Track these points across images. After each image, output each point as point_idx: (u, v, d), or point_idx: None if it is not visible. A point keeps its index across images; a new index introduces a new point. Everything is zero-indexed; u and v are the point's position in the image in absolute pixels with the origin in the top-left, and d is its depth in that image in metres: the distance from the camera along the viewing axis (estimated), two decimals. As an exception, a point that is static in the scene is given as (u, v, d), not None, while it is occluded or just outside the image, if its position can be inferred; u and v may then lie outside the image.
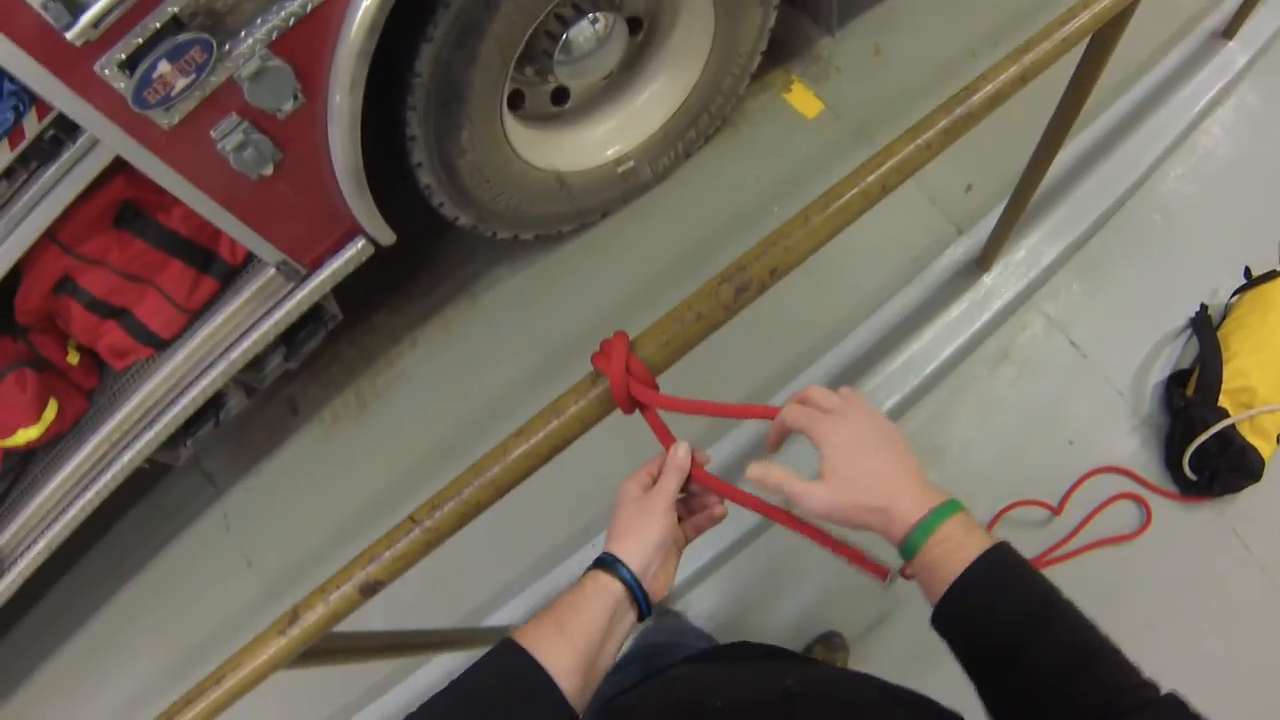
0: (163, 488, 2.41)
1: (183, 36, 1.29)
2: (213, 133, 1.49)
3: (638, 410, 0.97)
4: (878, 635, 2.18)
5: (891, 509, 0.80)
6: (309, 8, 1.41)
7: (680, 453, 0.91)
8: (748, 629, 2.25)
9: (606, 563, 0.84)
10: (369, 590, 0.94)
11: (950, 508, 0.79)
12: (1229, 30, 2.63)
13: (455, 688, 0.75)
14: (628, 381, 0.93)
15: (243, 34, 1.39)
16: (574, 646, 0.76)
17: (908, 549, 0.79)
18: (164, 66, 1.31)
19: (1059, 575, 2.12)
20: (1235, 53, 2.65)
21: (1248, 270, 2.46)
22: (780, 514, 0.90)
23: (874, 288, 2.45)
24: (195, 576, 2.37)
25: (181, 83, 1.36)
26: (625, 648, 0.91)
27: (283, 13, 1.39)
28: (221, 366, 1.91)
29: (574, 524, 2.29)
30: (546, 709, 0.73)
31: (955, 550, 0.75)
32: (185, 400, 1.92)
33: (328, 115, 1.60)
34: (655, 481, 0.90)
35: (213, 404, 2.01)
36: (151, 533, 2.38)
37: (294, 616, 0.94)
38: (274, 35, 1.40)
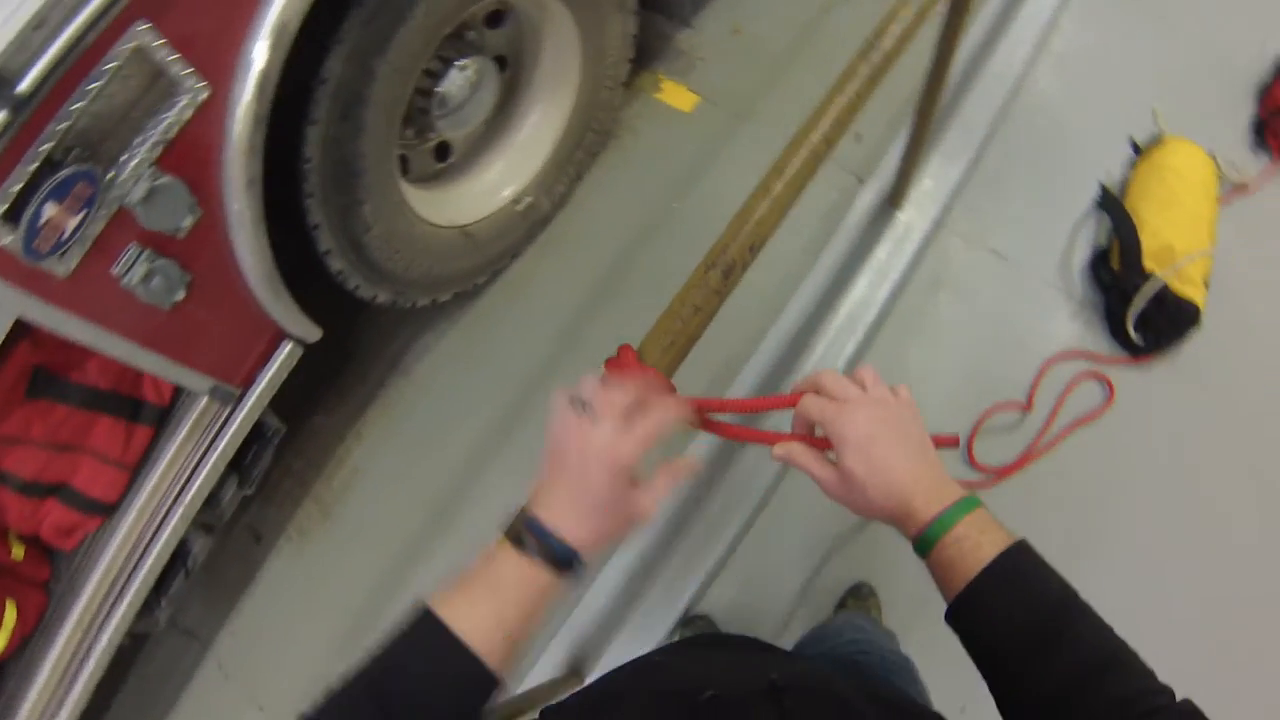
0: (146, 658, 2.25)
1: (63, 173, 1.21)
2: (115, 269, 1.40)
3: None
4: (903, 577, 2.19)
5: (904, 506, 0.79)
6: (187, 115, 1.34)
7: (675, 410, 0.85)
8: (771, 603, 2.23)
9: (559, 557, 0.76)
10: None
11: (966, 505, 0.78)
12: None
13: (378, 662, 0.71)
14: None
15: (124, 157, 1.31)
16: (504, 623, 0.73)
17: (922, 546, 0.79)
18: (50, 209, 1.22)
19: (1046, 466, 2.23)
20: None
21: (1134, 142, 2.60)
22: (762, 435, 0.92)
23: (798, 251, 2.48)
24: None
25: (72, 223, 1.27)
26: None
27: (161, 125, 1.31)
28: (178, 514, 1.80)
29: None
30: (469, 677, 0.71)
31: (971, 550, 0.75)
32: (150, 560, 1.80)
33: (229, 223, 1.52)
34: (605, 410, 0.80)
35: (178, 555, 1.89)
36: (150, 704, 2.23)
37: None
38: (158, 151, 1.33)
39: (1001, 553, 0.74)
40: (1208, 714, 0.64)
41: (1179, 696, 0.67)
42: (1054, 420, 2.33)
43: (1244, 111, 2.73)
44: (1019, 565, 0.75)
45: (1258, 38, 2.84)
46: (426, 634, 0.72)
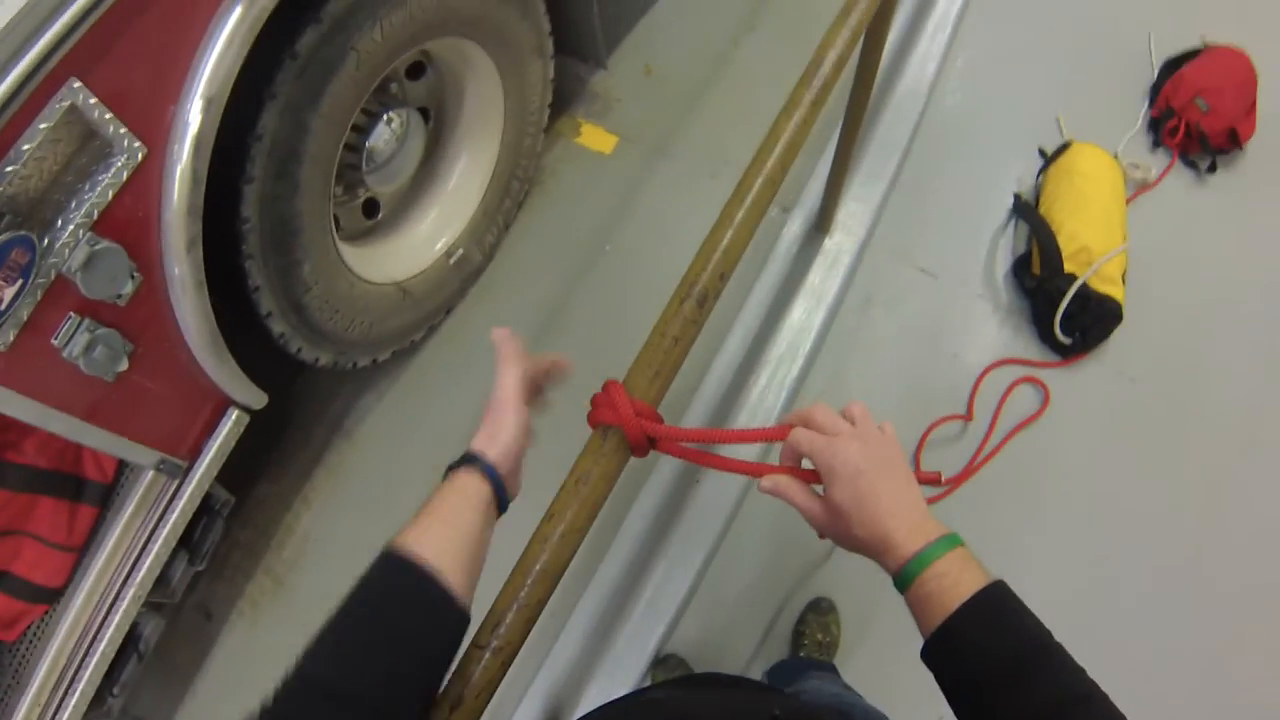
0: (96, 753, 2.13)
1: (-3, 240, 1.17)
2: (54, 340, 1.35)
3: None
4: (868, 597, 2.21)
5: (886, 540, 0.81)
6: (124, 177, 1.30)
7: (499, 336, 0.98)
8: (737, 635, 2.23)
9: (472, 460, 0.87)
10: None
11: (947, 542, 0.79)
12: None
13: (350, 606, 0.76)
14: (641, 425, 0.92)
15: (60, 222, 1.26)
16: (457, 548, 0.80)
17: (902, 581, 0.80)
18: (-14, 280, 1.18)
19: (991, 472, 2.29)
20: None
21: (1041, 150, 2.74)
22: (751, 466, 0.94)
23: (730, 287, 2.50)
24: None
25: (9, 292, 1.22)
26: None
27: (97, 188, 1.28)
28: (129, 595, 1.71)
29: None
30: (442, 611, 0.77)
31: (950, 587, 0.76)
32: (100, 647, 1.70)
33: (170, 288, 1.48)
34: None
35: (129, 639, 1.80)
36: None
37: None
38: (95, 214, 1.29)
39: (980, 590, 0.75)
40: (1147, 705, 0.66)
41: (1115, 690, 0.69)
42: (995, 427, 2.39)
43: (1140, 112, 2.90)
44: (997, 603, 0.76)
45: (1144, 41, 3.03)
46: (391, 567, 0.78)
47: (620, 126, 2.87)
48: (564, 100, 2.85)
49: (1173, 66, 2.91)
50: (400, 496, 2.36)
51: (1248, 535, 2.28)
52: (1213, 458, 2.36)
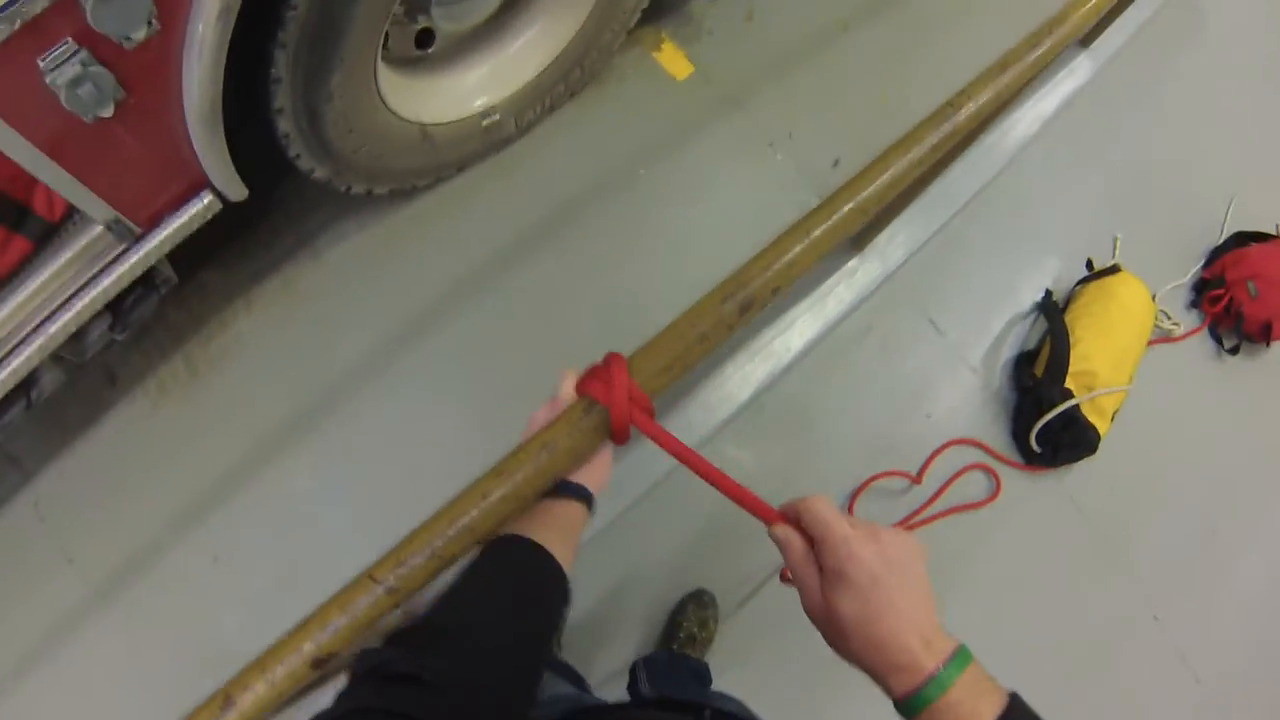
0: (-43, 471, 2.05)
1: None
2: (41, 62, 1.21)
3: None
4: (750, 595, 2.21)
5: (892, 666, 0.71)
6: (179, -87, 1.17)
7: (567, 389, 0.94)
8: (615, 605, 2.20)
9: (582, 495, 0.94)
10: (321, 664, 0.77)
11: (962, 659, 0.71)
12: (1086, 39, 2.76)
13: (472, 570, 0.84)
14: (630, 412, 0.83)
15: (92, -65, 1.13)
16: (567, 553, 0.88)
17: (911, 707, 0.70)
18: (-18, -31, 1.04)
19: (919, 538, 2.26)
20: (1087, 61, 2.78)
21: (1089, 262, 2.67)
22: (725, 481, 0.84)
23: (742, 256, 2.42)
24: (7, 576, 2.03)
25: (2, -7, 1.09)
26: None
27: (143, -86, 1.14)
28: (37, 342, 1.60)
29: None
30: (557, 577, 0.85)
31: (970, 714, 0.68)
32: (-7, 381, 1.61)
33: (186, 47, 1.35)
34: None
35: (23, 384, 1.70)
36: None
37: (227, 700, 0.75)
38: (130, -58, 1.15)
39: (1003, 712, 0.69)
40: None
41: None
42: (937, 499, 2.38)
43: (1192, 268, 2.85)
44: None
45: (1224, 204, 2.95)
46: (528, 550, 0.85)
47: (701, 59, 2.72)
48: (657, 11, 2.68)
49: (1241, 240, 2.87)
50: (348, 335, 2.29)
51: (1118, 697, 2.29)
52: (1120, 611, 2.38)
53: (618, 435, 0.87)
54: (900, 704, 0.71)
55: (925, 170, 1.91)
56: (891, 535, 0.75)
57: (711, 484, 0.83)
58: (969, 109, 1.16)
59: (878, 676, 0.72)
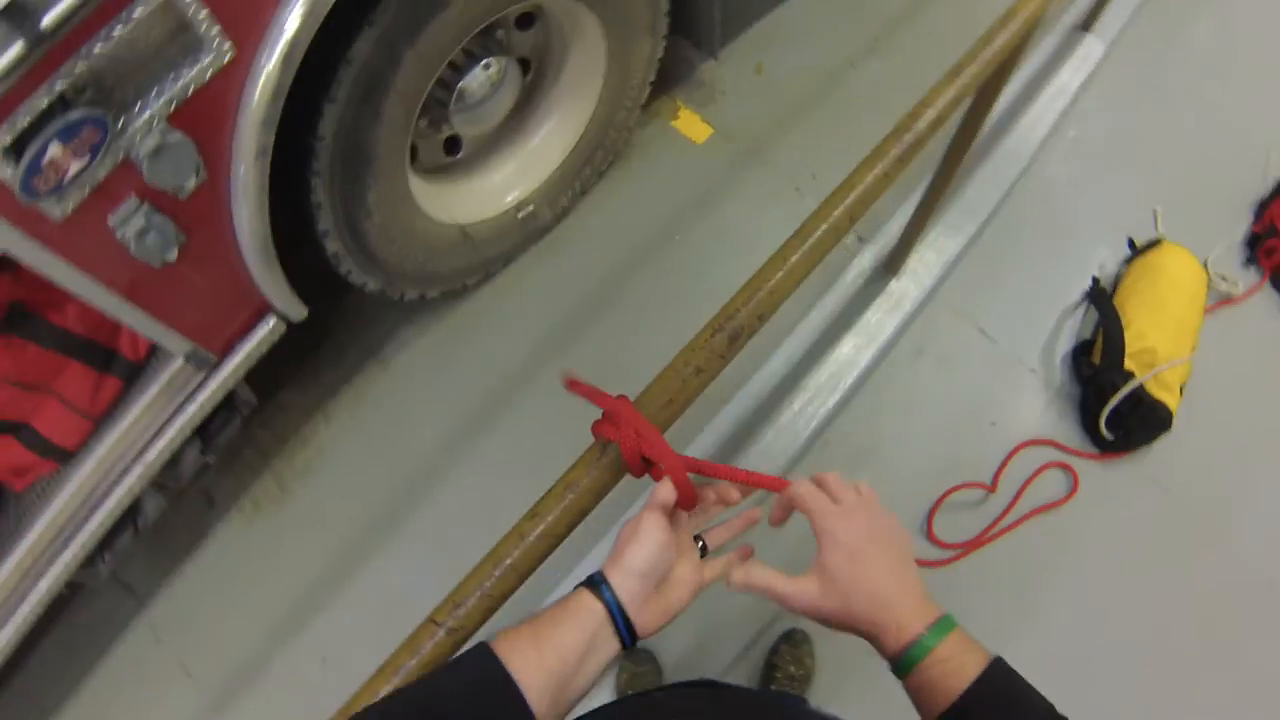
0: (79, 605, 2.19)
1: (74, 114, 1.18)
2: (111, 220, 1.38)
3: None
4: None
5: (885, 621, 0.78)
6: (208, 75, 1.32)
7: (662, 492, 0.88)
8: (709, 642, 2.21)
9: (594, 582, 0.82)
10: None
11: (947, 624, 0.78)
12: (1087, 23, 2.81)
13: (424, 686, 0.75)
14: (640, 445, 0.91)
15: (138, 108, 1.28)
16: (547, 664, 0.74)
17: (903, 667, 0.77)
18: (55, 150, 1.20)
19: (1001, 549, 2.24)
20: (1094, 43, 2.83)
21: (1131, 241, 2.65)
22: (734, 473, 0.91)
23: (789, 301, 2.48)
24: (132, 693, 2.16)
25: (75, 166, 1.24)
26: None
27: (180, 82, 1.30)
28: (136, 471, 1.76)
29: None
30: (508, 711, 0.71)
31: (955, 670, 0.74)
32: (100, 514, 1.76)
33: (232, 190, 1.51)
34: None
35: (129, 512, 1.85)
36: (76, 655, 2.17)
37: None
38: (172, 107, 1.31)
39: (985, 671, 0.74)
40: None
41: None
42: (1016, 504, 2.34)
43: (1240, 225, 2.79)
44: (1004, 681, 0.75)
45: (1262, 155, 2.91)
46: (476, 663, 0.74)
47: (718, 119, 2.84)
48: (668, 81, 2.82)
49: (1287, 187, 2.80)
50: (421, 433, 2.41)
51: (1244, 676, 2.20)
52: (1228, 590, 2.29)
53: (632, 468, 0.94)
54: (896, 663, 0.78)
55: (935, 184, 1.99)
56: (879, 511, 0.84)
57: (724, 478, 0.91)
58: (929, 116, 1.22)
59: (873, 638, 0.80)
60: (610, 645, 0.80)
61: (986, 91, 1.64)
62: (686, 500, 0.89)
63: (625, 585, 0.81)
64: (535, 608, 0.81)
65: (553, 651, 0.75)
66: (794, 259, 1.09)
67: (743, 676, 2.17)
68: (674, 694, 0.99)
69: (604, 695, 2.02)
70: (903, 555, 0.82)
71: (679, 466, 0.89)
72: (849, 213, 1.14)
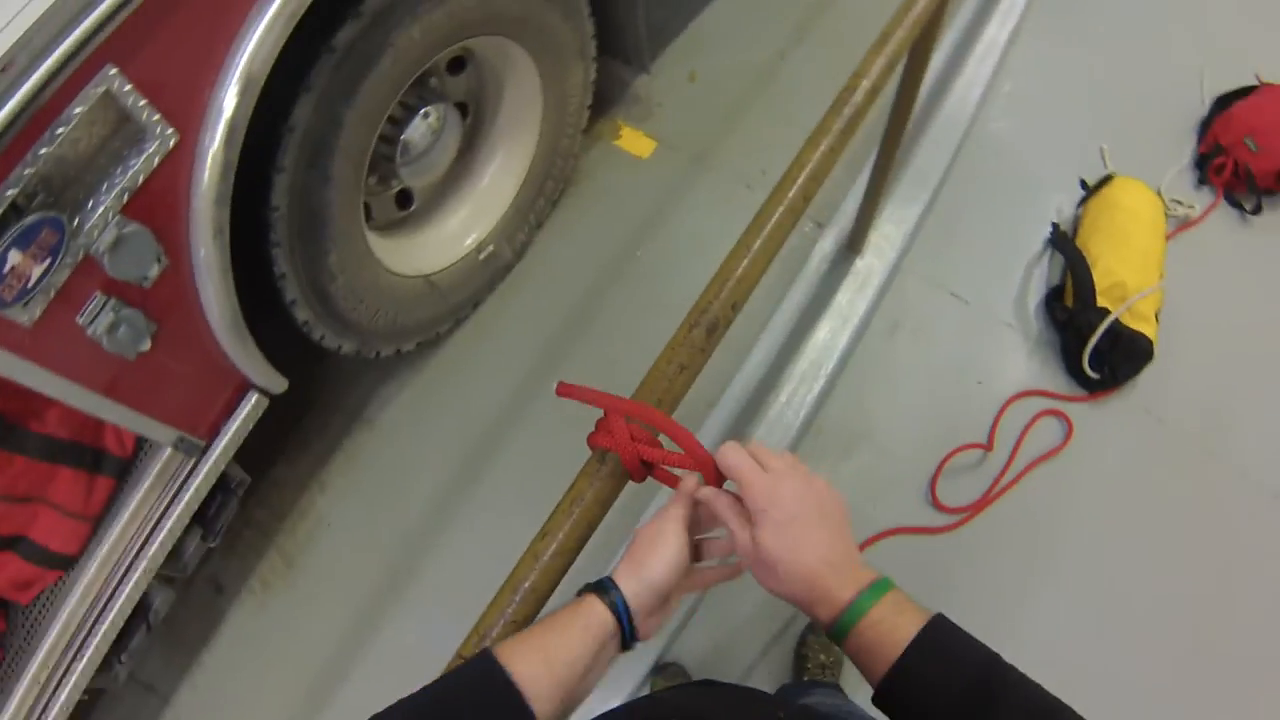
0: (102, 711, 2.16)
1: (29, 219, 1.18)
2: (80, 318, 1.37)
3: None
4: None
5: (815, 590, 0.78)
6: (155, 162, 1.33)
7: (689, 482, 0.89)
8: (740, 647, 2.22)
9: (604, 588, 0.81)
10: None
11: (881, 587, 0.78)
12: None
13: (427, 694, 0.73)
14: (636, 451, 0.92)
15: (91, 204, 1.28)
16: (553, 671, 0.74)
17: (838, 633, 0.78)
18: (15, 257, 1.20)
19: (1008, 505, 2.26)
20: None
21: (1083, 181, 2.72)
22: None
23: (758, 298, 2.49)
24: None
25: (37, 270, 1.24)
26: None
27: (129, 173, 1.30)
28: (141, 567, 1.74)
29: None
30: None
31: (889, 631, 0.74)
32: (110, 616, 1.74)
33: (196, 272, 1.51)
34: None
35: (139, 609, 1.83)
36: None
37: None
38: (125, 198, 1.31)
39: (922, 628, 0.74)
40: None
41: None
42: (1015, 459, 2.37)
43: (1187, 149, 2.86)
44: (943, 637, 0.74)
45: (1195, 77, 2.98)
46: (479, 669, 0.74)
47: (660, 132, 2.87)
48: (605, 102, 2.85)
49: (1224, 103, 2.88)
50: (416, 486, 2.40)
51: (1268, 587, 2.23)
52: (1237, 504, 2.32)
53: (633, 473, 0.95)
54: (830, 630, 0.79)
55: (882, 156, 2.02)
56: (808, 477, 0.83)
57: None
58: (864, 86, 1.25)
59: (808, 608, 0.80)
60: (614, 651, 0.81)
61: (917, 54, 1.67)
62: (638, 475, 0.93)
63: (638, 595, 0.81)
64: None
65: (563, 666, 0.75)
66: (756, 245, 1.10)
67: (772, 672, 2.18)
68: (673, 693, 1.01)
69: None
70: (833, 522, 0.81)
71: (691, 459, 0.90)
72: (803, 192, 1.16)
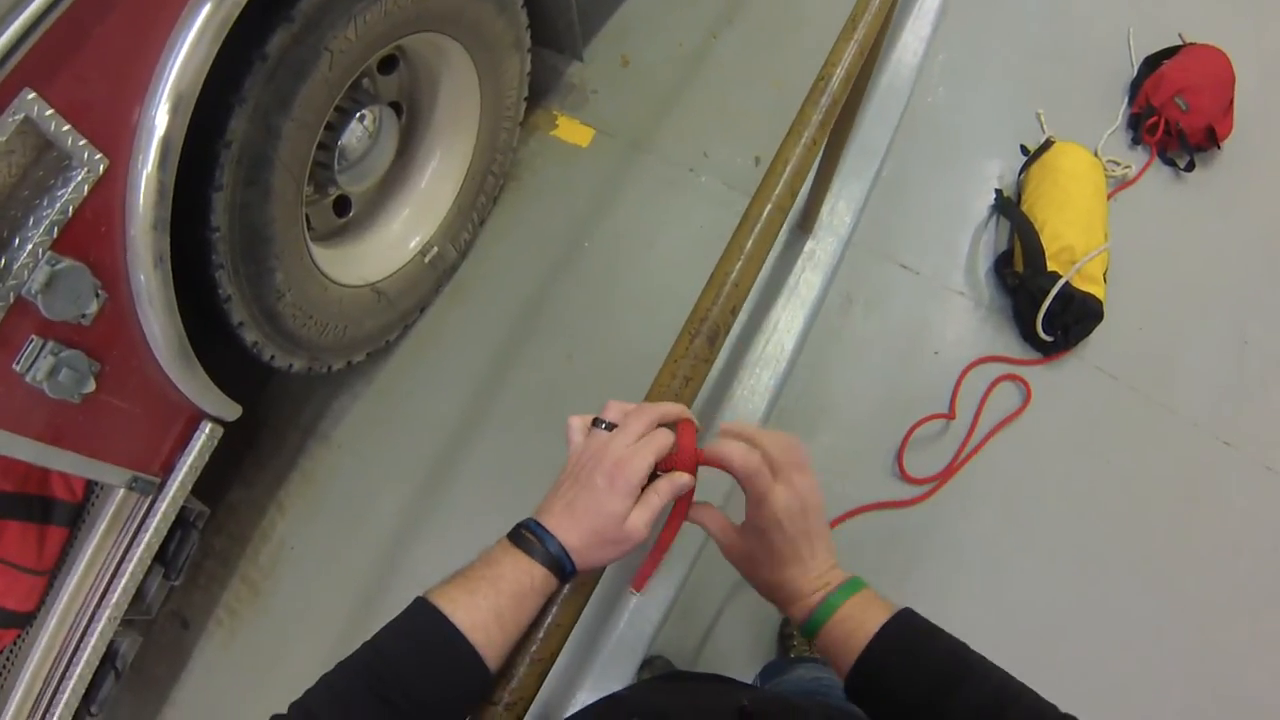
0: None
1: (-47, 264, 1.11)
2: (16, 366, 1.29)
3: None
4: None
5: (791, 585, 0.81)
6: (85, 191, 1.24)
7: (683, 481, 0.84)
8: (721, 626, 2.21)
9: (559, 566, 0.79)
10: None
11: (851, 586, 0.80)
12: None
13: (370, 648, 0.73)
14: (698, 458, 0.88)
15: (17, 241, 1.20)
16: (510, 637, 0.77)
17: (810, 629, 0.80)
18: (-59, 307, 1.12)
19: (975, 471, 2.28)
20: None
21: (1024, 147, 2.74)
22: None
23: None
24: None
25: (-35, 319, 1.17)
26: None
27: (56, 204, 1.22)
28: (104, 616, 1.66)
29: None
30: (466, 668, 0.73)
31: (857, 627, 0.76)
32: (77, 669, 1.65)
33: (138, 304, 1.43)
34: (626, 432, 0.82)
35: (106, 657, 1.74)
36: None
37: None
38: (54, 232, 1.23)
39: (888, 620, 0.75)
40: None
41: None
42: (977, 425, 2.39)
43: (1119, 109, 2.91)
44: (907, 629, 0.76)
45: (1123, 38, 3.03)
46: (426, 624, 0.73)
47: (597, 119, 2.82)
48: (539, 92, 2.80)
49: (1152, 64, 2.93)
50: (377, 500, 2.33)
51: (1225, 530, 2.29)
52: (1189, 452, 2.39)
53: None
54: (802, 628, 0.81)
55: (835, 135, 1.99)
56: (800, 483, 0.80)
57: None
58: (839, 75, 1.22)
59: (782, 604, 0.83)
60: (551, 588, 0.80)
61: (878, 37, 1.65)
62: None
63: (583, 556, 0.79)
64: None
65: (515, 626, 0.77)
66: (749, 245, 1.06)
67: (762, 651, 2.18)
68: (637, 690, 1.00)
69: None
70: (814, 525, 0.81)
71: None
72: (789, 188, 1.12)
